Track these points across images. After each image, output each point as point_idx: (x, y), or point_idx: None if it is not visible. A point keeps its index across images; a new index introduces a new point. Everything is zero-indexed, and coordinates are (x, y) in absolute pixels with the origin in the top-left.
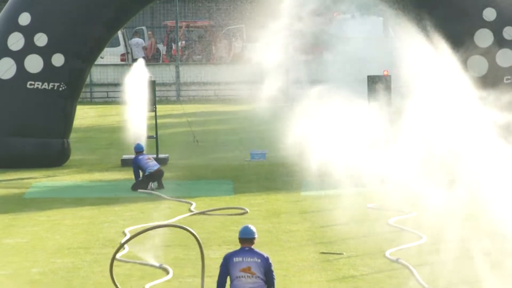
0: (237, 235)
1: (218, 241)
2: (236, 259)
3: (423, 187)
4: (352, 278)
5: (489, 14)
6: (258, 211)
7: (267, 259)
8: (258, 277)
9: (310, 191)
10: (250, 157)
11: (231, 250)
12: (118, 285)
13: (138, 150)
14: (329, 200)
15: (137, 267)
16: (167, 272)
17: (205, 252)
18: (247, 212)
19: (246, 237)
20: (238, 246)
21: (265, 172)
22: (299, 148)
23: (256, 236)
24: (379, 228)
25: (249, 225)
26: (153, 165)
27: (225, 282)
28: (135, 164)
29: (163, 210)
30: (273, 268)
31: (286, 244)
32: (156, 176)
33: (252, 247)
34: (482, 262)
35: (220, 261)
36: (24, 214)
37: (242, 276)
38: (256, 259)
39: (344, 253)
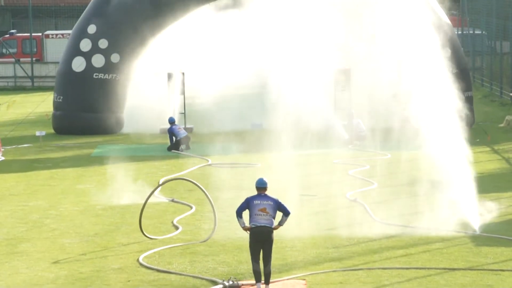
0: (241, 184)
1: (228, 186)
2: (255, 202)
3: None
4: (323, 213)
5: None
6: (255, 166)
7: (277, 201)
8: (270, 215)
9: (296, 151)
10: (251, 126)
11: (237, 193)
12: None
13: (171, 121)
14: (307, 157)
15: (171, 205)
16: (191, 207)
17: (218, 194)
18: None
19: (261, 186)
20: (241, 191)
21: (262, 137)
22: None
23: (267, 185)
24: (342, 177)
25: (263, 178)
26: (183, 133)
27: (242, 212)
28: (170, 132)
29: (188, 164)
30: (284, 203)
31: (273, 189)
32: (185, 140)
33: (266, 193)
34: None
35: (230, 200)
36: (91, 168)
37: (259, 214)
38: (269, 202)
39: (317, 195)
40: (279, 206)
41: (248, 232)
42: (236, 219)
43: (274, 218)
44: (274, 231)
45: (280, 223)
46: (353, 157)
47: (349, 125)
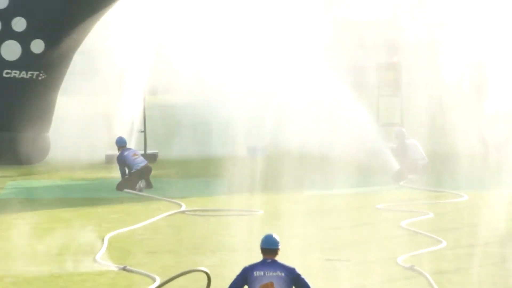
0: (232, 240)
1: (212, 247)
2: (256, 273)
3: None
4: (362, 287)
5: None
6: (256, 212)
7: (293, 271)
8: None
9: (314, 190)
10: (246, 152)
11: (227, 256)
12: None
13: (121, 144)
14: (335, 200)
15: (121, 275)
16: (154, 280)
17: (195, 258)
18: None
19: (269, 247)
20: (233, 251)
21: (263, 168)
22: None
23: (279, 246)
24: (390, 231)
25: (273, 234)
26: (140, 162)
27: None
28: (120, 161)
29: (151, 212)
30: (304, 277)
31: (287, 249)
32: (144, 172)
33: (276, 258)
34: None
35: (215, 268)
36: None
37: None
38: (279, 273)
39: (352, 260)
40: (296, 281)
41: None
42: None
43: None
44: None
45: None
46: (407, 199)
47: (400, 149)
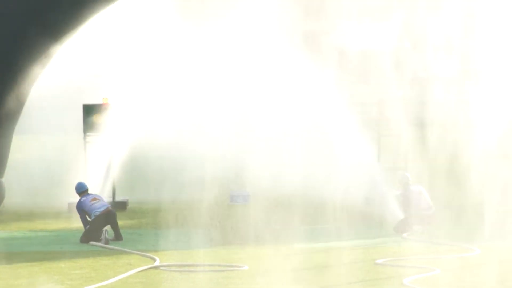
0: None
1: None
2: None
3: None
4: None
5: None
6: (241, 268)
7: None
8: None
9: (306, 243)
10: (229, 199)
11: None
12: None
13: (81, 190)
14: (329, 254)
15: None
16: None
17: None
18: None
19: None
20: None
21: (248, 218)
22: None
23: None
24: None
25: None
26: (99, 207)
27: None
28: (78, 209)
29: (121, 267)
30: None
31: None
32: (105, 218)
33: None
34: None
35: None
36: None
37: None
38: None
39: None
40: None
41: None
42: None
43: None
44: None
45: None
46: (410, 253)
47: (404, 197)
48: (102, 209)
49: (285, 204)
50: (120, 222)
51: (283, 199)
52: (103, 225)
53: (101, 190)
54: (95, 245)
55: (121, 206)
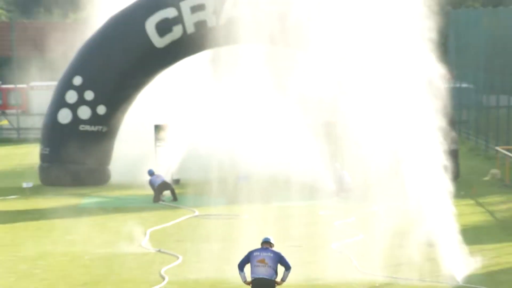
0: (228, 235)
1: (215, 238)
2: (255, 253)
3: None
4: (309, 263)
5: None
6: (244, 217)
7: (278, 254)
8: (269, 266)
9: (279, 203)
10: (238, 179)
11: (225, 245)
12: None
13: (150, 173)
14: (293, 209)
15: (158, 255)
16: (178, 258)
17: (204, 245)
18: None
19: (265, 241)
20: (229, 243)
21: (247, 189)
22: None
23: (272, 241)
24: (328, 228)
25: (270, 237)
26: (159, 181)
27: (243, 266)
28: (150, 184)
29: (175, 216)
30: (286, 258)
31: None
32: (163, 187)
33: (269, 247)
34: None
35: (217, 252)
36: (79, 218)
37: (258, 265)
38: (269, 254)
39: (302, 246)
40: (280, 260)
41: (248, 284)
42: (238, 271)
43: (274, 269)
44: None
45: (283, 279)
46: (339, 209)
47: (337, 177)
48: (160, 182)
49: (268, 181)
50: (176, 190)
51: (267, 178)
52: (162, 191)
53: (166, 173)
54: (161, 203)
55: (176, 182)
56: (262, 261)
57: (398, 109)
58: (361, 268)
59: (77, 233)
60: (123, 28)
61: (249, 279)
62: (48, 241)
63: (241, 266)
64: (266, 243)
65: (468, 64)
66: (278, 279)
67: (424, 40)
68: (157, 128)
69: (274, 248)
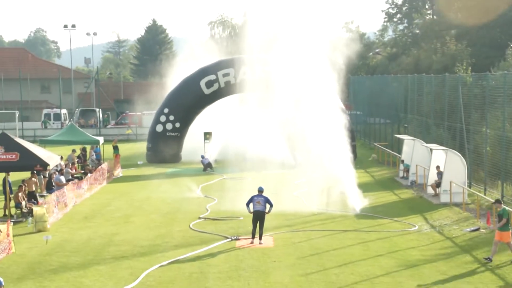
0: (241, 188)
1: (233, 189)
2: (255, 198)
3: None
4: (280, 202)
5: None
6: (248, 179)
7: (266, 197)
8: (262, 205)
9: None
10: (244, 159)
11: (239, 193)
12: None
13: (202, 157)
14: (269, 174)
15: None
16: (214, 200)
17: (228, 193)
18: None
19: (259, 190)
20: (241, 192)
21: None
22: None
23: (263, 190)
24: (292, 187)
25: (261, 186)
26: (205, 161)
27: (249, 204)
28: (202, 162)
29: (213, 178)
30: (270, 199)
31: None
32: (207, 165)
33: (261, 194)
34: None
35: (234, 196)
36: (166, 179)
37: (256, 204)
38: (262, 198)
39: (277, 193)
40: (267, 200)
41: (251, 213)
42: (246, 207)
43: (265, 206)
44: (266, 215)
45: (269, 211)
46: (297, 174)
47: (295, 158)
48: (206, 162)
49: (259, 160)
50: (214, 166)
51: (259, 159)
52: (207, 166)
53: (209, 157)
54: (206, 171)
55: (214, 161)
56: (258, 202)
57: (326, 124)
58: (308, 205)
59: (164, 186)
60: (190, 83)
61: (251, 210)
62: (149, 191)
63: (247, 204)
64: (260, 191)
65: (359, 102)
66: (267, 210)
67: (338, 90)
68: (205, 134)
69: (264, 194)
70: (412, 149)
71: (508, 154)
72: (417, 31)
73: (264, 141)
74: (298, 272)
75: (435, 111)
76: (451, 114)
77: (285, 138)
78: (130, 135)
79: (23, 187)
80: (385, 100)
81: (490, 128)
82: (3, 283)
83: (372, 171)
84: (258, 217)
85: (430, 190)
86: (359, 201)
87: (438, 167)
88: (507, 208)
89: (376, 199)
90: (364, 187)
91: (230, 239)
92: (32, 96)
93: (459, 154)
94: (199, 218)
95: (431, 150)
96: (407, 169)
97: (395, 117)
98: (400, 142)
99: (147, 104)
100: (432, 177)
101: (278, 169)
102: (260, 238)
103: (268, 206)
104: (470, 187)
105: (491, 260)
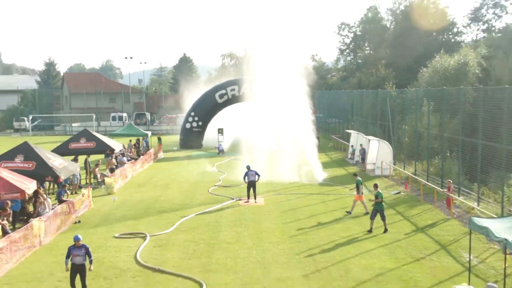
0: (242, 165)
1: (236, 166)
2: (249, 172)
3: None
4: (268, 174)
5: None
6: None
7: (255, 171)
8: (254, 176)
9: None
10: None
11: (242, 169)
12: None
13: (219, 145)
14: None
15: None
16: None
17: (234, 169)
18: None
19: (247, 167)
20: (243, 168)
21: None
22: None
23: (250, 167)
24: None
25: (249, 165)
26: (221, 147)
27: (245, 177)
28: (218, 148)
29: (224, 159)
30: (258, 172)
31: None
32: (222, 150)
33: (252, 169)
34: None
35: (238, 170)
36: (192, 160)
37: (250, 176)
38: (254, 172)
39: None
40: (257, 173)
41: (246, 183)
42: (243, 179)
43: (255, 177)
44: (256, 183)
45: (258, 179)
46: (279, 156)
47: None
48: (221, 148)
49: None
50: (226, 151)
51: (255, 148)
52: (221, 151)
53: (223, 145)
54: (220, 155)
55: (223, 150)
56: (252, 174)
57: (299, 124)
58: (287, 176)
59: (191, 165)
60: (208, 95)
61: (247, 181)
62: (180, 169)
63: (244, 177)
64: (248, 168)
65: (321, 108)
66: (257, 180)
67: (307, 101)
68: (219, 129)
69: (252, 169)
70: (356, 139)
71: (419, 143)
72: (360, 61)
73: (257, 133)
74: (280, 221)
75: (371, 114)
76: (382, 116)
77: (272, 132)
78: (168, 130)
79: (98, 165)
80: (338, 107)
81: (407, 125)
82: (81, 238)
83: (330, 154)
84: (251, 185)
85: (369, 167)
86: (321, 174)
87: (361, 145)
88: (360, 179)
89: (332, 173)
90: (325, 165)
91: (235, 200)
92: (103, 104)
93: (387, 143)
94: (214, 185)
95: (369, 140)
96: (353, 152)
97: (345, 118)
98: (348, 135)
99: (179, 110)
100: (371, 158)
101: (267, 153)
102: (255, 198)
103: (257, 176)
104: (394, 165)
105: (350, 213)
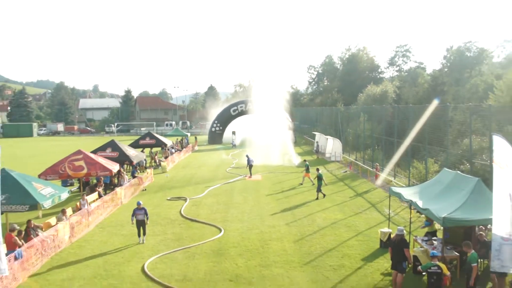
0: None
1: (244, 154)
2: (250, 159)
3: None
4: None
5: None
6: (247, 150)
7: (252, 159)
8: (252, 160)
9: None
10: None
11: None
12: None
13: (232, 141)
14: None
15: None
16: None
17: (242, 157)
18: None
19: (247, 156)
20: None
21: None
22: None
23: (249, 156)
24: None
25: (247, 154)
26: (233, 142)
27: (247, 163)
28: (231, 143)
29: (235, 150)
30: (252, 159)
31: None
32: (234, 144)
33: (249, 156)
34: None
35: (242, 164)
36: (217, 151)
37: (250, 162)
38: (252, 159)
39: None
40: (252, 160)
41: (248, 166)
42: (247, 164)
43: (253, 161)
44: (254, 166)
45: (253, 163)
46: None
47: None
48: (234, 143)
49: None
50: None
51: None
52: (234, 146)
53: (235, 141)
54: (231, 147)
55: (236, 145)
56: (252, 160)
57: (282, 127)
58: (275, 161)
59: (214, 154)
60: (226, 110)
61: (248, 165)
62: (205, 158)
63: (247, 163)
64: (247, 156)
65: (297, 118)
66: (253, 163)
67: (288, 114)
68: (233, 132)
69: (249, 156)
70: (319, 137)
71: (358, 140)
72: (321, 89)
73: (258, 134)
74: (271, 190)
75: (329, 123)
76: (335, 124)
77: (270, 139)
78: (200, 132)
79: (157, 153)
80: (308, 118)
81: (351, 129)
82: (142, 203)
83: (302, 147)
84: (251, 167)
85: (326, 155)
86: (296, 160)
87: (317, 142)
88: (307, 162)
89: (303, 159)
90: (300, 154)
91: (243, 176)
92: (160, 116)
93: (339, 140)
94: (230, 167)
95: (327, 138)
96: (317, 146)
97: (312, 124)
98: (314, 135)
99: (207, 119)
100: (328, 150)
101: (263, 147)
102: (251, 175)
103: (253, 161)
104: (343, 154)
105: (301, 184)
